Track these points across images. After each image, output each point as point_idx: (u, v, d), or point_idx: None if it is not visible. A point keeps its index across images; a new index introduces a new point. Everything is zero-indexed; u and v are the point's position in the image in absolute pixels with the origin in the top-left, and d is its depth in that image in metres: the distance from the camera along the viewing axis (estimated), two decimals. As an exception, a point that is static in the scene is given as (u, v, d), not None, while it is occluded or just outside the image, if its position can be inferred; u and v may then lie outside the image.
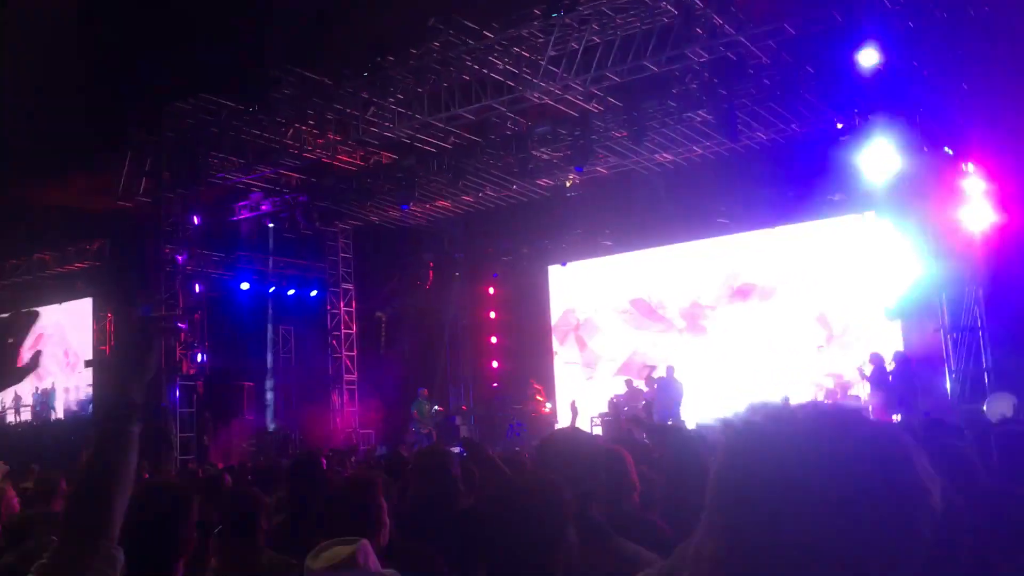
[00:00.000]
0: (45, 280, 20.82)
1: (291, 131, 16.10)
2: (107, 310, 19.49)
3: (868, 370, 13.88)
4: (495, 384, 20.52)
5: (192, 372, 17.66)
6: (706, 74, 13.84)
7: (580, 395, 18.76)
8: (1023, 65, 11.01)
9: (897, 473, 1.03)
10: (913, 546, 1.01)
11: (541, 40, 13.45)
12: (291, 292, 20.84)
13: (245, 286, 20.03)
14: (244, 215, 18.80)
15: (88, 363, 18.83)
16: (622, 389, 16.97)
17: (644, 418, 13.84)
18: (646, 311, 19.24)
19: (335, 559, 2.31)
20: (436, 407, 18.32)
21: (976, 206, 11.80)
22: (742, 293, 18.15)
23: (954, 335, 11.99)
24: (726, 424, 1.11)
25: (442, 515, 3.93)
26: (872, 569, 1.00)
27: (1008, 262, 11.06)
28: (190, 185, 17.16)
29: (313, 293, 20.99)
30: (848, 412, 1.09)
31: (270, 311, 21.06)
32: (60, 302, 20.77)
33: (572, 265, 19.94)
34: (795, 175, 15.86)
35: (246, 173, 17.42)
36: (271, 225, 19.04)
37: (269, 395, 21.30)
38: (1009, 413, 7.94)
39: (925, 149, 12.33)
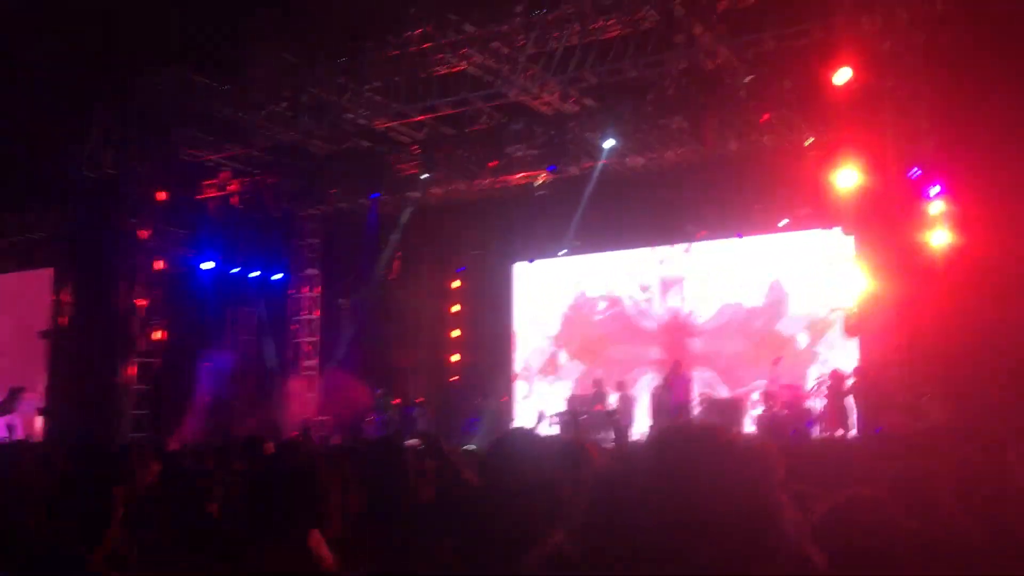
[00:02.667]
0: (2, 247, 20.43)
1: (265, 112, 15.94)
2: (67, 282, 19.12)
3: (826, 385, 14.07)
4: (455, 378, 20.49)
5: (150, 349, 17.43)
6: (683, 81, 13.94)
7: (544, 395, 18.85)
8: (990, 94, 11.19)
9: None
10: None
11: (521, 37, 13.44)
12: (255, 274, 20.60)
13: (208, 265, 19.76)
14: (211, 194, 18.58)
15: (44, 334, 18.46)
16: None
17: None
18: (614, 317, 19.30)
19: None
20: (392, 400, 18.28)
21: (940, 229, 11.98)
22: (704, 301, 18.29)
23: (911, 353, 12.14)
24: None
25: (396, 509, 3.92)
26: None
27: (967, 285, 11.25)
28: (157, 160, 16.93)
29: (277, 276, 20.77)
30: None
31: (233, 292, 20.82)
32: (18, 270, 20.40)
33: (539, 263, 19.99)
34: (764, 187, 16.01)
35: (216, 151, 17.24)
36: (238, 205, 18.81)
37: (226, 376, 21.06)
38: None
39: (893, 169, 12.49)
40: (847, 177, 12.42)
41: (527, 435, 3.21)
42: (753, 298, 17.68)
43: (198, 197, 18.62)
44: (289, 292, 20.48)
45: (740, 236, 17.14)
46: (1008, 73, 10.98)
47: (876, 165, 12.41)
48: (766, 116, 14.49)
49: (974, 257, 11.51)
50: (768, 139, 15.25)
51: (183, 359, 18.81)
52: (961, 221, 11.73)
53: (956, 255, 11.60)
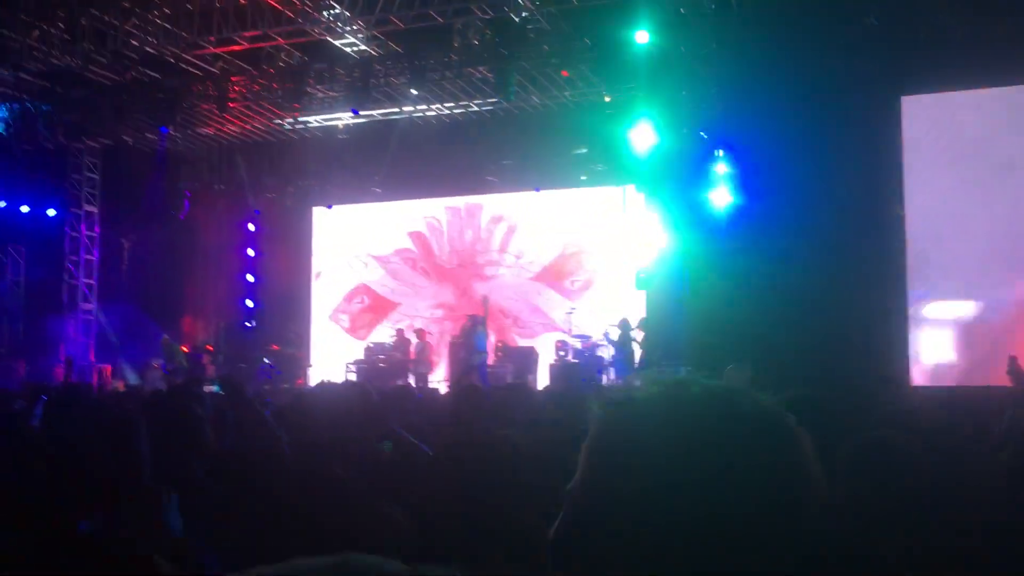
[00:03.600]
0: None
1: (36, 32, 14.51)
2: None
3: (615, 334, 14.75)
4: (249, 323, 19.85)
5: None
6: (488, 32, 13.97)
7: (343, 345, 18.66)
8: (774, 62, 11.97)
9: (781, 457, 1.03)
10: (788, 533, 1.01)
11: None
12: (24, 209, 18.93)
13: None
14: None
15: None
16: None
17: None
18: (411, 263, 19.29)
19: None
20: (180, 347, 17.51)
21: (722, 188, 12.78)
22: (503, 252, 18.63)
23: (693, 306, 12.93)
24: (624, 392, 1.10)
25: (188, 460, 3.75)
26: (743, 553, 0.99)
27: (748, 243, 12.08)
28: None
29: (51, 212, 19.19)
30: (736, 394, 1.08)
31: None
32: None
33: (338, 209, 19.62)
34: (563, 142, 16.42)
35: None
36: (5, 134, 17.11)
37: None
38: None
39: (684, 131, 13.16)
40: (642, 136, 12.95)
41: (327, 389, 3.16)
42: (550, 251, 18.18)
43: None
44: (65, 230, 19.00)
45: (538, 190, 17.52)
46: (792, 40, 11.78)
47: (667, 125, 13.02)
48: (565, 72, 14.81)
49: (753, 215, 12.38)
50: (569, 95, 15.60)
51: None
52: (742, 182, 12.56)
53: (737, 214, 12.44)
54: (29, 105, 16.60)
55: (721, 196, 12.68)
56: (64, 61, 15.05)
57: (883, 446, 2.61)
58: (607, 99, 15.14)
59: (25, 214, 18.92)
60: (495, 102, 15.68)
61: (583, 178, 17.13)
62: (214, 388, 4.79)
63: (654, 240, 12.95)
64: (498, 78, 14.29)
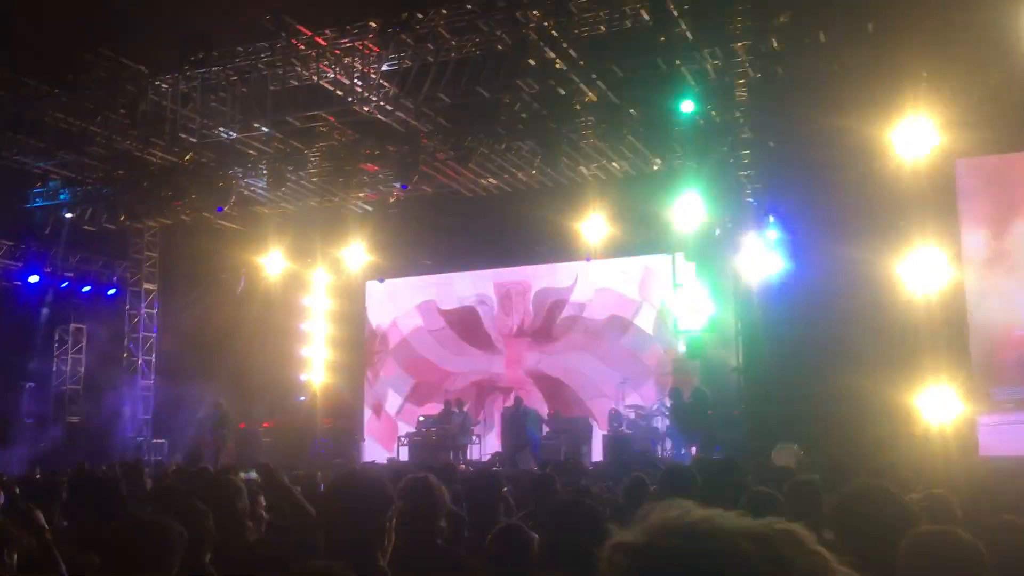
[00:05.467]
0: None
1: (100, 118, 15.05)
2: None
3: (667, 404, 14.49)
4: (302, 398, 19.93)
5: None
6: (535, 105, 14.11)
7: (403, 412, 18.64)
8: (818, 131, 11.87)
9: None
10: None
11: (376, 53, 13.30)
12: (86, 289, 19.45)
13: (34, 279, 18.55)
14: (39, 203, 17.41)
15: None
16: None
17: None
18: (467, 334, 19.28)
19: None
20: (238, 424, 17.54)
21: (772, 255, 12.60)
22: (558, 322, 18.54)
23: (747, 376, 12.68)
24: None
25: (226, 551, 3.70)
26: None
27: (800, 311, 11.85)
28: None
29: (111, 292, 19.68)
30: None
31: (61, 307, 19.57)
32: None
33: (389, 282, 19.81)
34: (613, 211, 16.42)
35: (45, 158, 16.19)
36: (68, 215, 17.65)
37: (54, 398, 19.76)
38: (792, 464, 8.40)
39: (732, 197, 13.06)
40: (689, 206, 12.88)
41: (357, 477, 3.08)
42: (601, 319, 18.05)
43: (25, 206, 17.42)
44: (124, 308, 19.42)
45: (589, 260, 17.47)
46: (836, 107, 11.67)
47: (717, 193, 12.95)
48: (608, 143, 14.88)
49: (803, 282, 12.16)
50: (616, 165, 15.63)
51: (5, 376, 17.60)
52: (791, 249, 12.37)
53: (789, 281, 12.22)
54: (91, 188, 17.15)
55: (772, 263, 12.49)
56: (124, 145, 15.57)
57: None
58: (655, 167, 15.15)
59: (86, 293, 19.42)
60: (544, 172, 15.78)
61: (634, 248, 17.05)
62: (251, 475, 4.74)
63: (704, 308, 12.77)
64: (546, 151, 14.39)
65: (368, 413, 19.62)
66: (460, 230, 17.34)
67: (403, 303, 19.80)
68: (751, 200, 12.76)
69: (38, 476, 8.46)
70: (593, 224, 16.73)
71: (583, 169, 15.87)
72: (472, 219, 17.21)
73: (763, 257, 12.56)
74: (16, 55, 14.50)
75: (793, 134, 12.28)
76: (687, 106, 12.60)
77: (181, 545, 2.94)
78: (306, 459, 15.99)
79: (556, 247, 17.58)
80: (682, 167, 13.79)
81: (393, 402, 19.50)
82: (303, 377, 20.06)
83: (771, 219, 12.58)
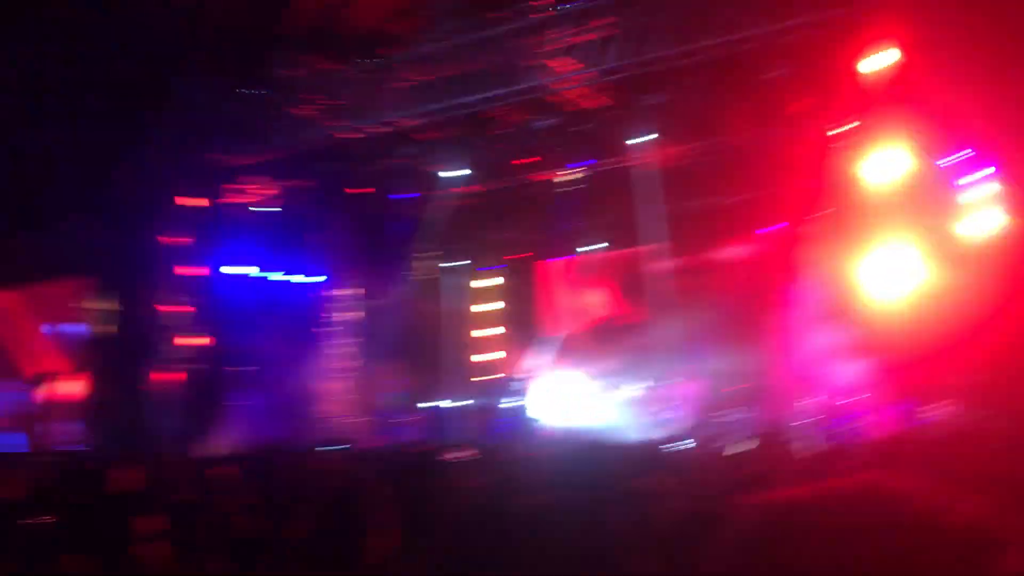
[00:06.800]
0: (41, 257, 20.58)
1: (298, 112, 15.94)
2: (107, 290, 19.24)
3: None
4: (493, 376, 20.39)
5: (190, 356, 17.57)
6: (716, 69, 13.67)
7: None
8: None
9: None
10: None
11: (553, 32, 13.30)
12: (294, 278, 20.63)
13: (246, 271, 19.86)
14: (252, 198, 18.61)
15: (83, 342, 18.64)
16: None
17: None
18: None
19: None
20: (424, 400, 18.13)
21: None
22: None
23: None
24: None
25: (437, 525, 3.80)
26: None
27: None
28: (194, 166, 17.06)
29: (317, 279, 20.78)
30: None
31: (272, 296, 20.85)
32: (56, 279, 20.59)
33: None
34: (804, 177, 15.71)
35: (251, 155, 17.30)
36: (276, 209, 18.81)
37: (270, 382, 21.17)
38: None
39: (935, 153, 12.19)
40: (883, 164, 12.14)
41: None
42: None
43: (235, 201, 18.67)
44: (329, 293, 20.43)
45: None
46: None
47: (918, 149, 12.13)
48: (798, 104, 14.18)
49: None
50: (805, 126, 14.92)
51: (223, 366, 18.96)
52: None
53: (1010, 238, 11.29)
54: (293, 181, 18.16)
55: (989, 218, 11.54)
56: (320, 139, 16.40)
57: None
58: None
59: (295, 282, 20.61)
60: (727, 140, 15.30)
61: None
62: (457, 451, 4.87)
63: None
64: (729, 115, 13.93)
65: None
66: (640, 204, 17.09)
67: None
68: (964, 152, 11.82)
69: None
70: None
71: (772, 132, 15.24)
72: (654, 192, 16.92)
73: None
74: (220, 60, 15.54)
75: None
76: (883, 56, 11.81)
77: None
78: (494, 436, 16.33)
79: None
80: (872, 125, 12.96)
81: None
82: (493, 356, 20.50)
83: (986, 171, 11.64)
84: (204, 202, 17.90)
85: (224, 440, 16.89)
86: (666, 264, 16.30)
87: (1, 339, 19.33)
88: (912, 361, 11.83)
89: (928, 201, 12.02)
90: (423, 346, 20.04)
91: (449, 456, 4.24)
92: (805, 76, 13.40)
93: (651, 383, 16.41)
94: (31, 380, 18.87)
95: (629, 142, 15.29)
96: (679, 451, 7.76)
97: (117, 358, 17.71)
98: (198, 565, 3.41)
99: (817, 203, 15.42)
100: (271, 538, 3.27)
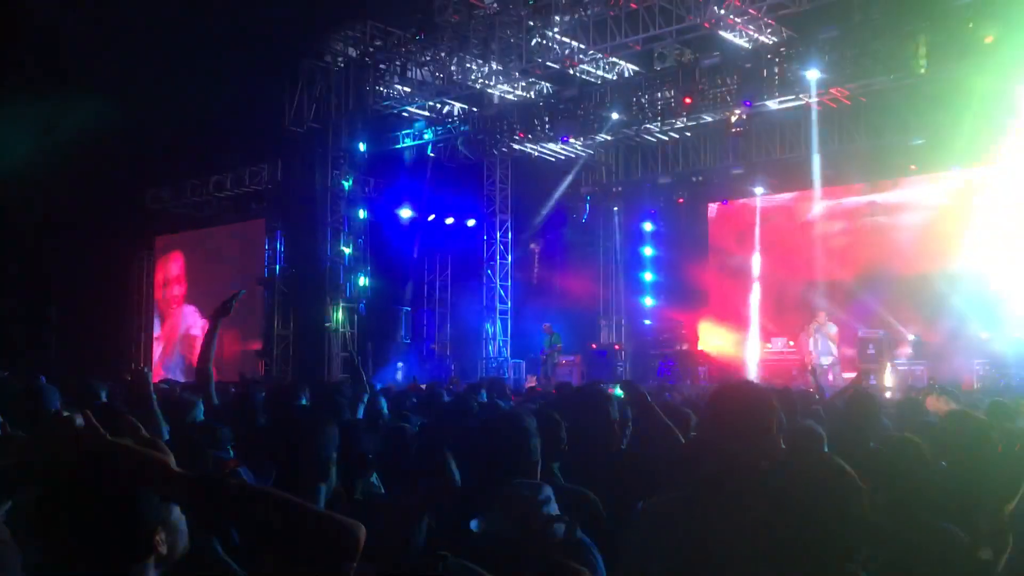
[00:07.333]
0: (221, 201, 21.89)
1: (455, 59, 16.15)
2: (277, 232, 20.33)
3: None
4: (647, 321, 20.29)
5: (355, 295, 18.37)
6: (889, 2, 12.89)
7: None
8: None
9: None
10: None
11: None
12: (449, 221, 21.13)
13: (407, 213, 20.48)
14: (408, 143, 19.09)
15: (260, 281, 19.78)
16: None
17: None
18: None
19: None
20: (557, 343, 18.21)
21: None
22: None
23: None
24: None
25: (599, 458, 3.87)
26: None
27: None
28: (356, 112, 17.63)
29: (471, 222, 21.20)
30: None
31: (428, 239, 21.46)
32: (234, 222, 21.87)
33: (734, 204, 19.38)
34: (982, 116, 14.63)
35: (411, 101, 17.68)
36: (432, 154, 19.25)
37: (424, 321, 21.92)
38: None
39: None
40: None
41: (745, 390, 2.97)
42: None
43: (395, 147, 19.20)
44: (482, 237, 20.82)
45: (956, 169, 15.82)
46: None
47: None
48: (989, 37, 13.12)
49: None
50: (992, 62, 13.84)
51: (386, 304, 19.73)
52: None
53: None
54: (450, 126, 18.47)
55: None
56: (478, 83, 16.54)
57: None
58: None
59: (449, 225, 21.10)
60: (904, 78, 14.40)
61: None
62: (615, 390, 4.89)
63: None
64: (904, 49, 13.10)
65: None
66: (812, 146, 16.39)
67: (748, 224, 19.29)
68: None
69: (423, 386, 9.45)
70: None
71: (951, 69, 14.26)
72: (826, 134, 16.19)
73: None
74: (380, 6, 15.89)
75: None
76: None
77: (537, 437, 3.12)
78: (653, 379, 16.32)
79: (921, 161, 16.05)
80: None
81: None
82: (648, 301, 20.40)
83: None
84: (365, 147, 18.47)
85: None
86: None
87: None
88: None
89: None
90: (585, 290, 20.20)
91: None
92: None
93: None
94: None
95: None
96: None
97: (294, 295, 18.84)
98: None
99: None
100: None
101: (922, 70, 13.05)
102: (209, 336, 5.08)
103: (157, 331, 23.75)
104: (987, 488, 3.21)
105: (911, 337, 15.40)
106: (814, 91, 14.06)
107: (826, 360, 15.37)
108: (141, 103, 16.26)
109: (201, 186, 21.78)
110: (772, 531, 2.30)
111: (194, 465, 1.72)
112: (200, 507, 1.57)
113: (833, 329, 15.78)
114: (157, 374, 19.25)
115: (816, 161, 16.19)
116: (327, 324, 17.83)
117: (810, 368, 11.43)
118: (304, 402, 5.26)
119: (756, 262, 19.19)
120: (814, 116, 15.27)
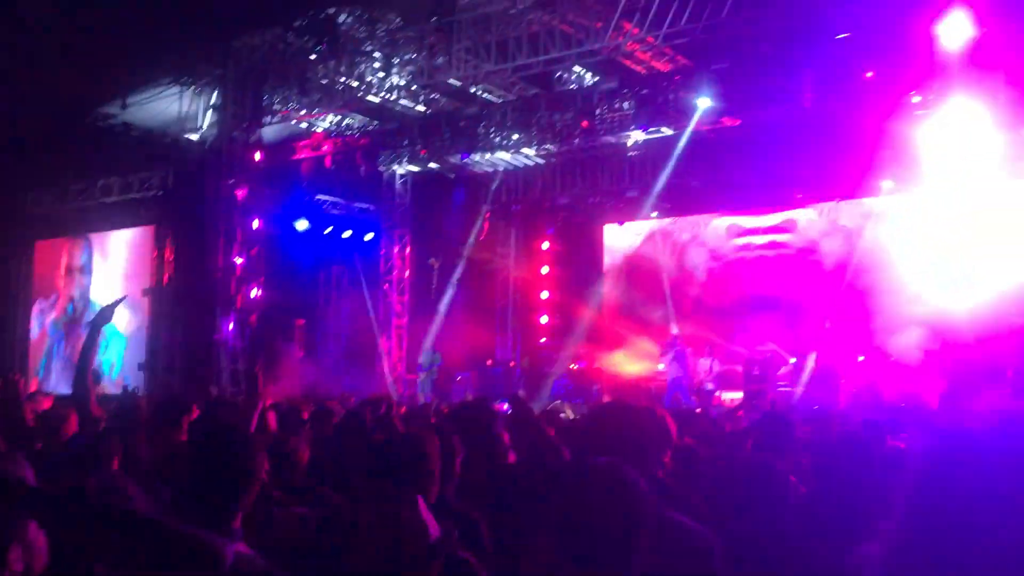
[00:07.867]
0: (108, 206, 21.08)
1: (356, 72, 16.05)
2: (167, 240, 19.71)
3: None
4: (543, 339, 20.50)
5: (247, 306, 17.94)
6: (780, 37, 13.44)
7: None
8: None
9: None
10: None
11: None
12: (347, 234, 20.91)
13: (303, 225, 20.17)
14: (305, 154, 18.84)
15: (145, 292, 19.15)
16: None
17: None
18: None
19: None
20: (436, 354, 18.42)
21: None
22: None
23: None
24: None
25: (487, 473, 3.90)
26: None
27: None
28: (253, 121, 17.30)
29: (369, 236, 21.02)
30: None
31: (325, 251, 21.18)
32: (121, 228, 21.07)
33: (628, 226, 19.77)
34: (865, 148, 15.37)
35: (310, 112, 17.47)
36: (331, 167, 19.04)
37: (320, 336, 21.58)
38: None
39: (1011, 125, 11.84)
40: (956, 135, 11.84)
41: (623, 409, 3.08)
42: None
43: (293, 158, 18.92)
44: (380, 252, 20.67)
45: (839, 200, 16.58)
46: None
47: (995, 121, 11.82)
48: (868, 73, 13.83)
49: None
50: (872, 97, 14.57)
51: (279, 317, 19.33)
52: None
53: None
54: (350, 139, 18.33)
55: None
56: (378, 97, 16.48)
57: None
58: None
59: (346, 238, 20.89)
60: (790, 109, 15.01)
61: (889, 186, 15.93)
62: (504, 406, 4.93)
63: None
64: (791, 85, 13.70)
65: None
66: (701, 172, 16.90)
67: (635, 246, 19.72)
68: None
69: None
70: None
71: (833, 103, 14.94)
72: (714, 160, 16.73)
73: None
74: (281, 15, 15.66)
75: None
76: (956, 27, 11.48)
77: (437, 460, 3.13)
78: (548, 397, 16.49)
79: (808, 190, 16.76)
80: (944, 97, 12.63)
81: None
82: (544, 319, 20.62)
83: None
84: (261, 156, 18.15)
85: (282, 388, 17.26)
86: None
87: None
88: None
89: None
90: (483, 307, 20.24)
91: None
92: (874, 44, 13.08)
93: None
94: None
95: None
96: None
97: (182, 306, 18.24)
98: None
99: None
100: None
101: (807, 103, 13.65)
102: (88, 345, 4.90)
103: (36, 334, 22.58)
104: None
105: (792, 360, 15.98)
106: (694, 120, 14.61)
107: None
108: (22, 99, 15.59)
109: (86, 190, 20.97)
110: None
111: (68, 480, 1.68)
112: (59, 525, 1.53)
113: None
114: (35, 384, 18.44)
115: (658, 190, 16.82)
116: (215, 336, 17.36)
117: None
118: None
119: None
120: (682, 143, 15.76)
